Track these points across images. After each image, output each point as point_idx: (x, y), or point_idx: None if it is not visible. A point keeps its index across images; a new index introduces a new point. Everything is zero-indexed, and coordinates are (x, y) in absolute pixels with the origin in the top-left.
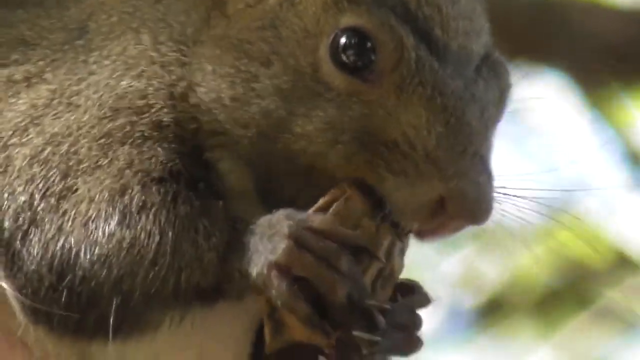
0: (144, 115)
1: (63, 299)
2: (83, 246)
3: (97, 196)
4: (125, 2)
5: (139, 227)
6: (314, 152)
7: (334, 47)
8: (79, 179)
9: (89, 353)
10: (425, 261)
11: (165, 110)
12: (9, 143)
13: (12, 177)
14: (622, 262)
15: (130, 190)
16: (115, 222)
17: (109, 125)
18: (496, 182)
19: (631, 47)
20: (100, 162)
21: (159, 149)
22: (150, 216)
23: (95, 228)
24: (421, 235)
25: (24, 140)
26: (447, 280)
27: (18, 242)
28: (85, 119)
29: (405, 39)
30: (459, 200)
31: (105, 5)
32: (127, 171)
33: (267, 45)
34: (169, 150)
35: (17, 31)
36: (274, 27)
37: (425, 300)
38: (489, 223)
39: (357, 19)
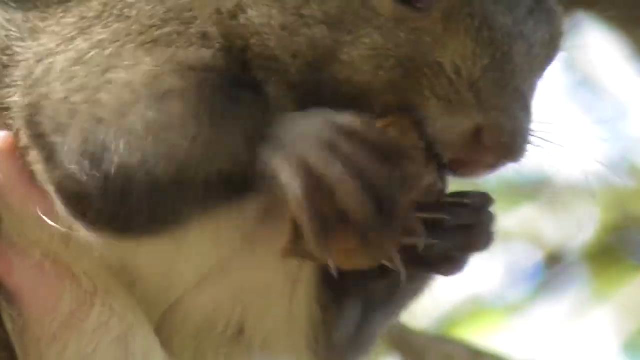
0: (190, 26)
1: (99, 187)
2: (119, 132)
3: (133, 82)
4: None
5: (171, 111)
6: (359, 80)
7: None
8: (119, 70)
9: (134, 266)
10: None
11: (210, 21)
12: (56, 51)
13: (53, 77)
14: None
15: (167, 76)
16: (147, 105)
17: (157, 32)
18: (547, 130)
19: None
20: (143, 59)
21: (204, 49)
22: (186, 102)
23: (130, 112)
24: (455, 167)
25: (70, 47)
26: (506, 237)
27: (57, 135)
28: (134, 27)
29: None
30: (496, 131)
31: None
32: (167, 63)
33: None
34: (214, 56)
35: None
36: None
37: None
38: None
39: None
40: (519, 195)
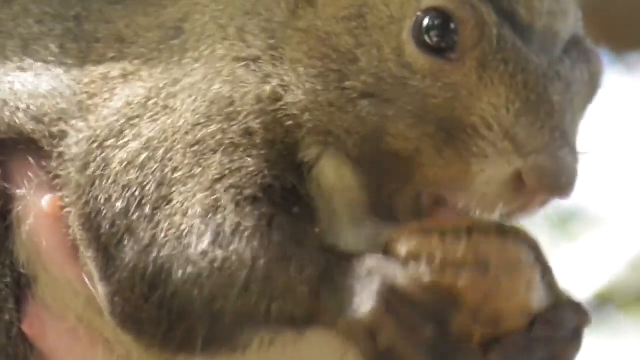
0: (232, 122)
1: (154, 310)
2: (176, 261)
3: (190, 210)
4: (218, 0)
5: (231, 249)
6: (411, 148)
7: (417, 29)
8: (174, 188)
9: None
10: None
11: (252, 116)
12: (106, 144)
13: (109, 182)
14: None
15: (223, 209)
16: (209, 241)
17: (202, 132)
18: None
19: None
20: (193, 171)
21: (248, 158)
22: (244, 240)
23: (189, 244)
24: (509, 215)
25: (120, 142)
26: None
27: (113, 247)
28: (180, 123)
29: (486, 16)
30: (537, 172)
31: (199, 5)
32: (219, 185)
33: (352, 38)
34: (258, 158)
35: (115, 28)
36: (360, 16)
37: (574, 317)
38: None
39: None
40: (565, 232)
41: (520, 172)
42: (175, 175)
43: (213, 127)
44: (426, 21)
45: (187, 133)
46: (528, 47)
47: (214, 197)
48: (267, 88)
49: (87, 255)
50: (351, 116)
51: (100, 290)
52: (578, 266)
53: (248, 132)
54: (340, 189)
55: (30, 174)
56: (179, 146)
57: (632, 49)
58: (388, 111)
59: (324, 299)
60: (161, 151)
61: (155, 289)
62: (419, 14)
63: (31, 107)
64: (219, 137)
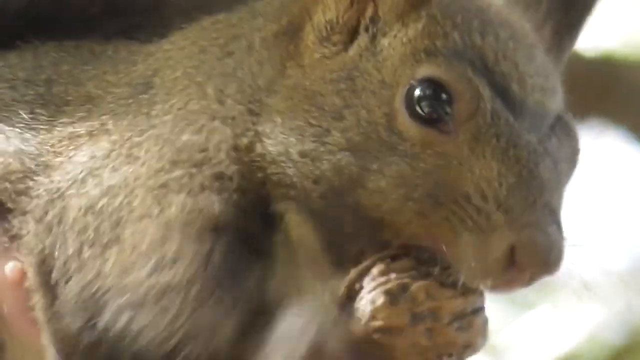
0: (204, 167)
1: (89, 344)
2: (114, 290)
3: (140, 244)
4: (192, 57)
5: (166, 279)
6: (387, 208)
7: (409, 98)
8: (128, 227)
9: None
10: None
11: (226, 162)
12: (67, 194)
13: (66, 228)
14: None
15: (170, 241)
16: (147, 271)
17: (165, 177)
18: (569, 236)
19: None
20: (151, 211)
21: (214, 198)
22: (181, 270)
23: (129, 275)
24: (494, 290)
25: (81, 191)
26: (519, 339)
27: (61, 287)
28: (142, 170)
29: (482, 90)
30: (530, 249)
31: (170, 61)
32: (174, 221)
33: (340, 98)
34: (227, 201)
35: (85, 89)
36: (350, 79)
37: None
38: (564, 279)
39: (435, 70)
40: (532, 296)
41: (511, 247)
42: (132, 215)
43: (178, 172)
44: (420, 91)
45: (149, 178)
46: (519, 123)
47: (165, 231)
48: (244, 140)
49: (36, 299)
50: (327, 165)
51: (45, 329)
52: (536, 335)
53: (221, 177)
54: (303, 245)
55: None
56: (140, 190)
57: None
58: (371, 165)
59: (246, 346)
60: (120, 197)
61: (91, 320)
62: (412, 82)
63: None
64: (184, 180)
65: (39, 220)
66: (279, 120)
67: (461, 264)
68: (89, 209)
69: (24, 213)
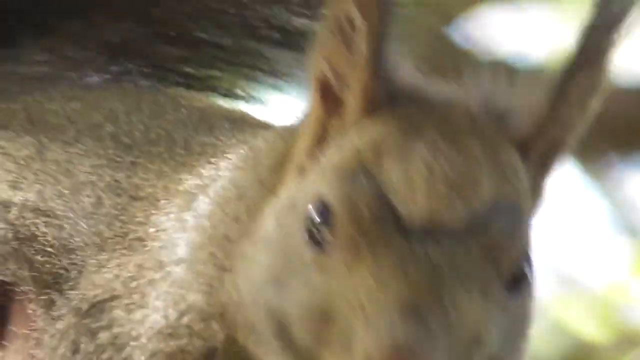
0: None
1: None
2: None
3: None
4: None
5: None
6: (306, 341)
7: (307, 223)
8: None
9: None
10: None
11: None
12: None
13: None
14: (626, 337)
15: None
16: None
17: None
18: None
19: (629, 122)
20: None
21: None
22: None
23: None
24: None
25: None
26: None
27: None
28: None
29: (362, 210)
30: (377, 342)
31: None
32: None
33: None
34: None
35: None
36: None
37: None
38: None
39: (319, 188)
40: None
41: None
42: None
43: None
44: (312, 215)
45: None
46: (405, 238)
47: None
48: None
49: None
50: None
51: None
52: None
53: None
54: None
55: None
56: None
57: None
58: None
59: None
60: None
61: None
62: (307, 207)
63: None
64: None
65: None
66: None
67: None
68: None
69: None
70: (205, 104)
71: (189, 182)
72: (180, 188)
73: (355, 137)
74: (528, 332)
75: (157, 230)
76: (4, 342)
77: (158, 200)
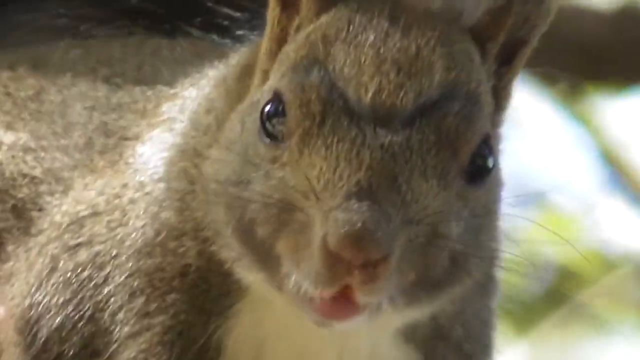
0: None
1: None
2: None
3: None
4: None
5: None
6: (262, 230)
7: (262, 117)
8: None
9: None
10: None
11: None
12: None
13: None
14: (597, 262)
15: None
16: None
17: None
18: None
19: (605, 48)
20: None
21: None
22: None
23: None
24: (334, 311)
25: None
26: None
27: None
28: None
29: (311, 96)
30: (332, 227)
31: None
32: None
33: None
34: None
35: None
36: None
37: None
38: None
39: (274, 83)
40: None
41: (324, 238)
42: None
43: None
44: (267, 107)
45: None
46: (355, 121)
47: None
48: None
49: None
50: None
51: None
52: None
53: None
54: None
55: None
56: None
57: None
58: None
59: None
60: None
61: None
62: (265, 101)
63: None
64: None
65: None
66: None
67: (294, 282)
68: None
69: None
70: (206, 45)
71: (171, 109)
72: (163, 118)
73: (310, 31)
74: (493, 226)
75: (142, 155)
76: None
77: (143, 137)
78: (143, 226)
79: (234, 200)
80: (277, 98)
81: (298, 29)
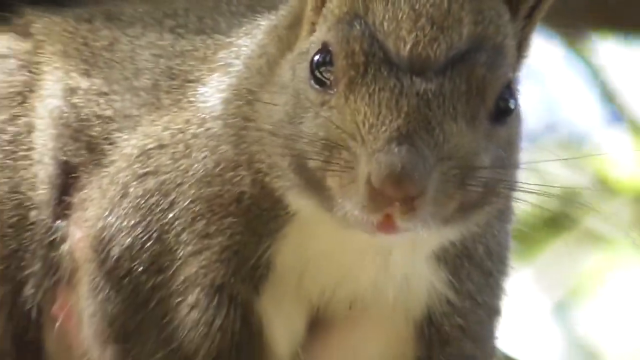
0: None
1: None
2: None
3: None
4: None
5: None
6: (313, 164)
7: (312, 66)
8: None
9: None
10: None
11: None
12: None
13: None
14: (600, 188)
15: None
16: None
17: None
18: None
19: None
20: None
21: None
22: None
23: None
24: (381, 229)
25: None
26: None
27: None
28: None
29: (355, 47)
30: (376, 169)
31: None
32: None
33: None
34: None
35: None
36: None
37: None
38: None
39: (321, 35)
40: None
41: (368, 176)
42: None
43: None
44: (316, 57)
45: None
46: (394, 71)
47: None
48: None
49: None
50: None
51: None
52: None
53: None
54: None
55: None
56: None
57: None
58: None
59: None
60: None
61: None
62: (312, 52)
63: None
64: None
65: None
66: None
67: (344, 208)
68: None
69: None
70: None
71: (228, 55)
72: (221, 63)
73: None
74: (515, 157)
75: (203, 94)
76: (67, 212)
77: (204, 79)
78: (204, 158)
79: (289, 137)
80: (325, 49)
81: None
